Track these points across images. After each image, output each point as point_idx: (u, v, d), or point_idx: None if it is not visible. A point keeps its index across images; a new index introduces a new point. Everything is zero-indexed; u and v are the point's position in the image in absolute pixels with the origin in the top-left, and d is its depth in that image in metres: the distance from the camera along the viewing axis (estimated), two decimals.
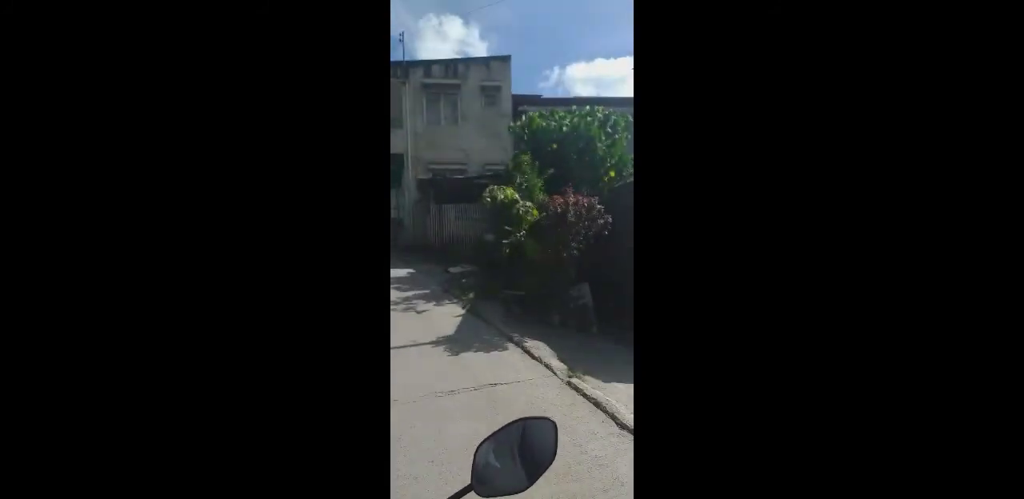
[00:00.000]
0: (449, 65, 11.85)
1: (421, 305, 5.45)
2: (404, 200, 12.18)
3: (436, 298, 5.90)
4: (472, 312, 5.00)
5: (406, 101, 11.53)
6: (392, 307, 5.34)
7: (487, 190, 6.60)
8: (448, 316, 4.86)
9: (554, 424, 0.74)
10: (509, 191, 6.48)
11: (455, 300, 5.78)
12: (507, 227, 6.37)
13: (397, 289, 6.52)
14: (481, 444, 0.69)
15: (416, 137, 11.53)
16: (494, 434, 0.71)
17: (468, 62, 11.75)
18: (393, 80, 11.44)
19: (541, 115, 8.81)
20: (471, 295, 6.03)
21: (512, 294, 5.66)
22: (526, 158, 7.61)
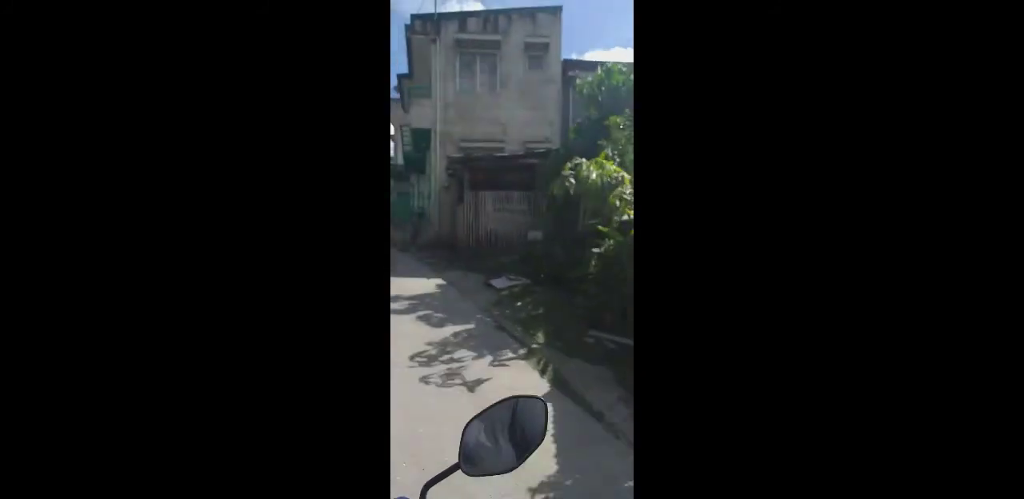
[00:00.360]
0: (488, 18, 9.43)
1: (471, 364, 2.87)
2: (430, 186, 9.63)
3: (488, 343, 3.49)
4: (562, 387, 3.15)
5: (436, 63, 8.96)
6: (428, 362, 3.55)
7: (571, 165, 3.99)
8: None
9: (544, 403, 0.76)
10: (610, 166, 3.85)
11: (521, 349, 3.20)
12: (599, 225, 3.75)
13: (426, 320, 4.07)
14: (470, 422, 0.71)
15: (446, 108, 9.00)
16: (483, 412, 0.72)
17: (511, 14, 9.18)
18: (422, 38, 10.13)
19: (620, 71, 6.07)
20: (540, 338, 3.46)
21: (614, 341, 3.68)
22: (619, 120, 4.95)
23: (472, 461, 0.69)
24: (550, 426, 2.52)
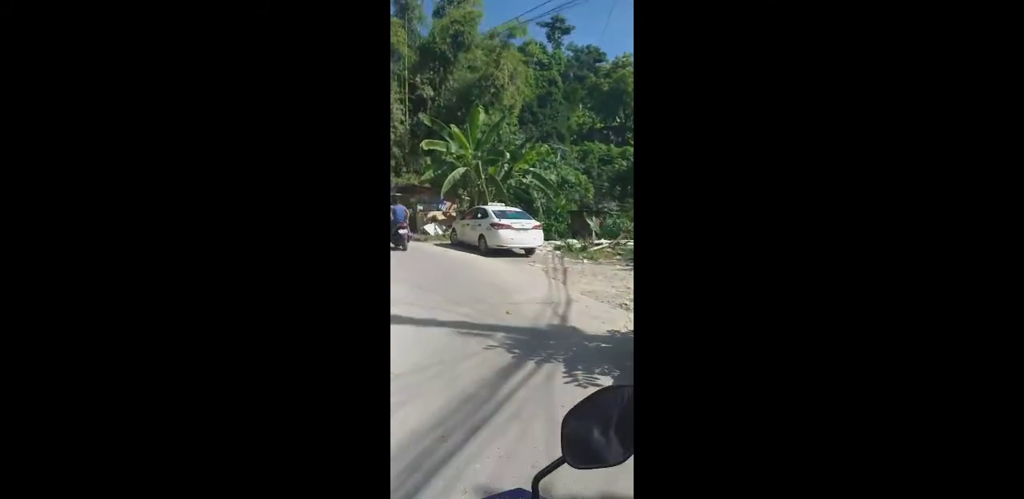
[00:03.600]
0: None
1: None
2: None
3: None
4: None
5: None
6: None
7: None
8: None
9: None
10: None
11: None
12: None
13: None
14: (569, 414, 0.68)
15: None
16: (581, 404, 0.69)
17: None
18: None
19: None
20: None
21: None
22: None
23: (577, 454, 0.67)
24: None
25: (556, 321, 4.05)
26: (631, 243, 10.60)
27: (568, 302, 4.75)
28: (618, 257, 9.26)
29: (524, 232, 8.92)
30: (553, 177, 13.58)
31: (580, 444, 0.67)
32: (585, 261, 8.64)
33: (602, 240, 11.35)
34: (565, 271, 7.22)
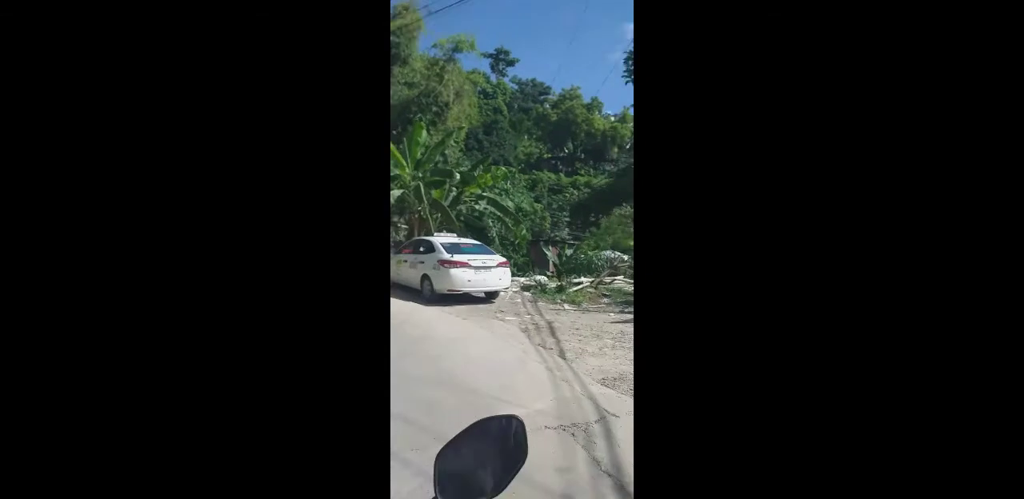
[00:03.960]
0: None
1: None
2: None
3: None
4: None
5: None
6: None
7: None
8: None
9: (520, 421, 0.68)
10: None
11: None
12: None
13: None
14: (442, 450, 0.64)
15: None
16: (455, 439, 0.66)
17: None
18: None
19: None
20: None
21: None
22: None
23: (450, 491, 0.61)
24: None
25: None
26: (617, 282, 8.94)
27: (601, 421, 2.22)
28: (606, 300, 7.12)
29: (486, 271, 6.52)
30: (510, 204, 11.79)
31: (455, 480, 0.62)
32: (567, 307, 6.48)
33: (582, 278, 8.91)
34: (552, 328, 4.73)
